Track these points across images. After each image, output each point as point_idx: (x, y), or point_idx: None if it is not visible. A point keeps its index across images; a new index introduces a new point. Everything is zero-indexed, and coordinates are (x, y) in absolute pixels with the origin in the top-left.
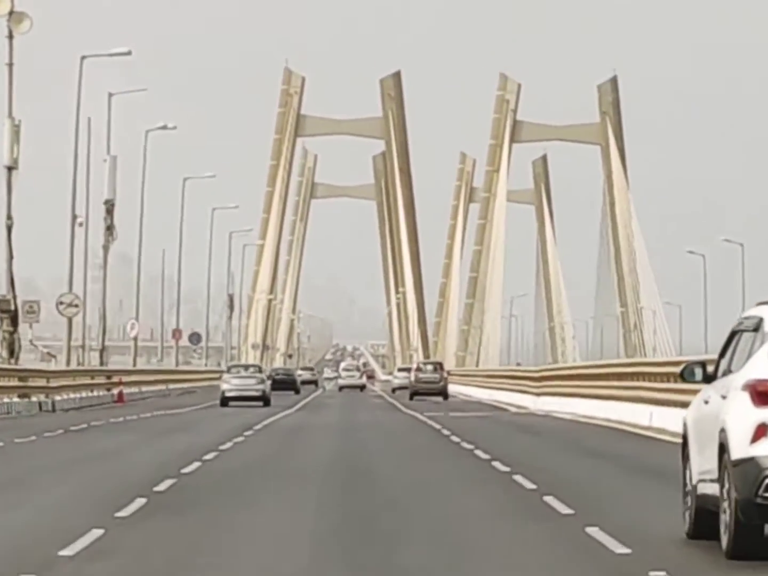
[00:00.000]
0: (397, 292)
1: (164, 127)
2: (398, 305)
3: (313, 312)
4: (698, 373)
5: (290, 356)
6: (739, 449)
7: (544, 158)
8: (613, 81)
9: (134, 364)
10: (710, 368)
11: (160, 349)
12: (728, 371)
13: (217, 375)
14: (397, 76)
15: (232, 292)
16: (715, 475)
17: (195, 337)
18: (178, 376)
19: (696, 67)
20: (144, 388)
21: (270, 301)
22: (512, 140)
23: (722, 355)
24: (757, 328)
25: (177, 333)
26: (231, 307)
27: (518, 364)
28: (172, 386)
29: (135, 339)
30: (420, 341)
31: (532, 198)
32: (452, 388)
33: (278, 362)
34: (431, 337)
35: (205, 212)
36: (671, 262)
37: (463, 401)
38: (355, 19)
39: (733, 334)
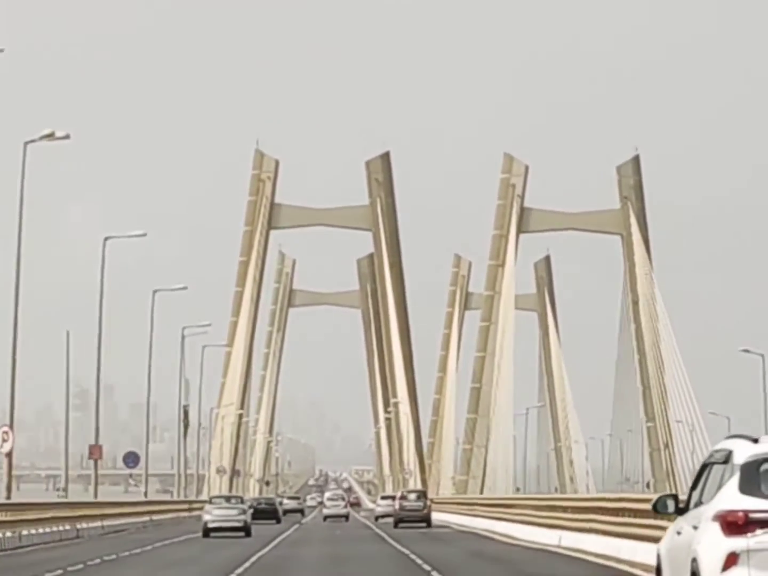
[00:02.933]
0: (386, 409)
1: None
2: (388, 424)
3: (294, 436)
4: (671, 505)
5: (267, 483)
6: None
7: (548, 259)
8: (635, 161)
9: (8, 496)
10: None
11: (64, 475)
12: (699, 503)
13: (161, 507)
14: (385, 158)
15: (187, 404)
16: None
17: (131, 458)
18: (94, 510)
19: (728, 143)
20: (32, 531)
21: (240, 417)
22: (519, 230)
23: (694, 487)
24: (726, 461)
25: (95, 450)
26: (185, 422)
27: (517, 490)
28: (87, 525)
29: (9, 457)
30: (417, 463)
31: (533, 304)
32: (474, 523)
33: (252, 490)
34: (425, 459)
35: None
36: (717, 367)
37: (520, 549)
38: (337, 96)
39: (704, 467)
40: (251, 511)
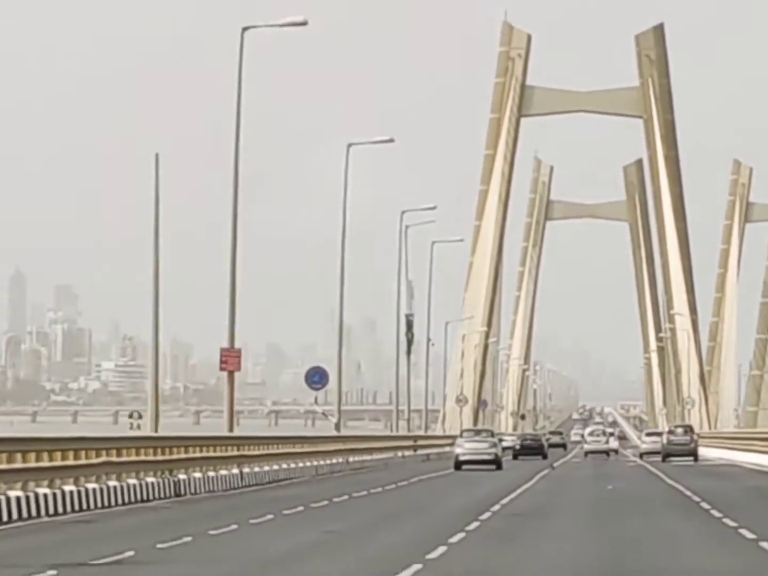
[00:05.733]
0: (657, 335)
1: None
2: (660, 351)
3: (555, 367)
4: None
5: (523, 417)
6: None
7: None
8: None
9: None
10: None
11: None
12: None
13: (363, 445)
14: (659, 31)
15: (411, 313)
16: None
17: (317, 376)
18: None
19: None
20: None
21: (487, 337)
22: None
23: None
24: None
25: (229, 357)
26: (409, 337)
27: None
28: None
29: None
30: (700, 390)
31: None
32: None
33: (505, 424)
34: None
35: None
36: None
37: None
38: None
39: None
40: (517, 445)
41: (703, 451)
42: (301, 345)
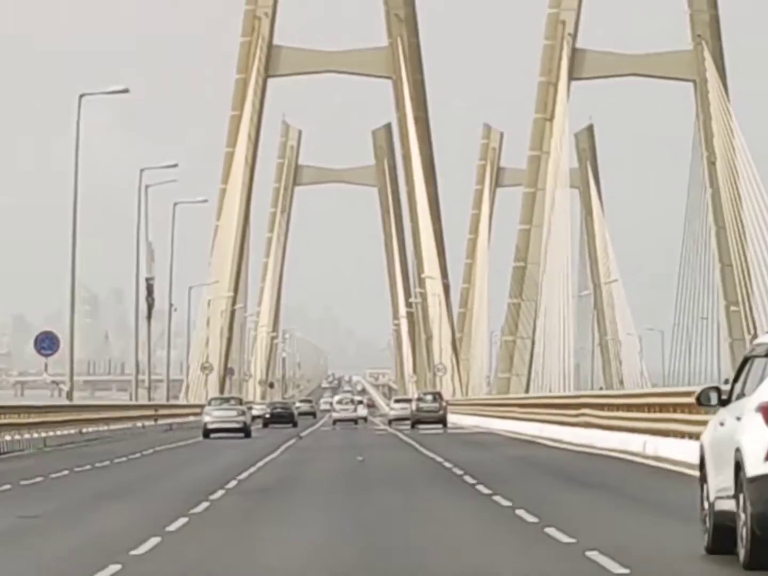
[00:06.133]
0: (407, 301)
1: None
2: (410, 318)
3: (305, 336)
4: (714, 397)
5: (271, 386)
6: (753, 467)
7: (590, 129)
8: None
9: None
10: None
11: None
12: (742, 395)
13: (93, 415)
14: None
15: (151, 276)
16: (731, 492)
17: (46, 341)
18: None
19: None
20: None
21: (233, 303)
22: (571, 76)
23: (736, 380)
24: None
25: None
26: (149, 302)
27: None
28: None
29: None
30: (452, 356)
31: (575, 180)
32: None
33: (253, 393)
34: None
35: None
36: None
37: None
38: None
39: (745, 360)
40: (267, 414)
41: (456, 419)
42: (46, 315)
